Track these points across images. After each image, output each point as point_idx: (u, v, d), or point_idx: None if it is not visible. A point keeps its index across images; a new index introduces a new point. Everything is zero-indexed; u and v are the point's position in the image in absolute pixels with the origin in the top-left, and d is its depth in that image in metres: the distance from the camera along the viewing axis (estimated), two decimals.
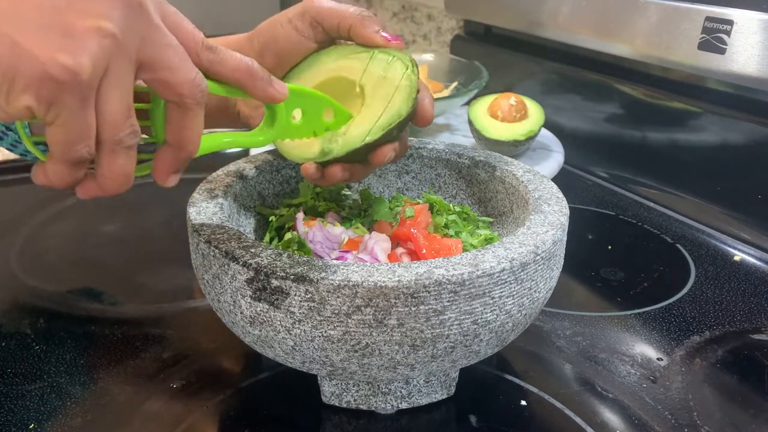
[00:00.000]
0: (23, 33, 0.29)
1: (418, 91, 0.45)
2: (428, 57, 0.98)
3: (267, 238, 0.51)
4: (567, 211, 0.45)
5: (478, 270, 0.37)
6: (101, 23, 0.30)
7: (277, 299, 0.37)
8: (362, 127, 0.45)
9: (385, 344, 0.38)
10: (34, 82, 0.29)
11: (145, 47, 0.32)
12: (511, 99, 0.77)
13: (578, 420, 0.45)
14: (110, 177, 0.34)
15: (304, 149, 0.47)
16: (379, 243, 0.46)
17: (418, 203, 0.53)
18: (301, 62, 0.49)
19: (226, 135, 0.41)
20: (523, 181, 0.49)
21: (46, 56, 0.29)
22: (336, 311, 0.37)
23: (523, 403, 0.47)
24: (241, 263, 0.38)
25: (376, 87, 0.46)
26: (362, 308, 0.37)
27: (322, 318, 0.37)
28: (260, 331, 0.39)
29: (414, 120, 0.47)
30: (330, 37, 0.48)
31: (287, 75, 0.49)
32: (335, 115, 0.45)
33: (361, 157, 0.45)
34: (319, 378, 0.45)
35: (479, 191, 0.55)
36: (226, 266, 0.39)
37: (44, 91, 0.29)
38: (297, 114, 0.44)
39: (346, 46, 0.48)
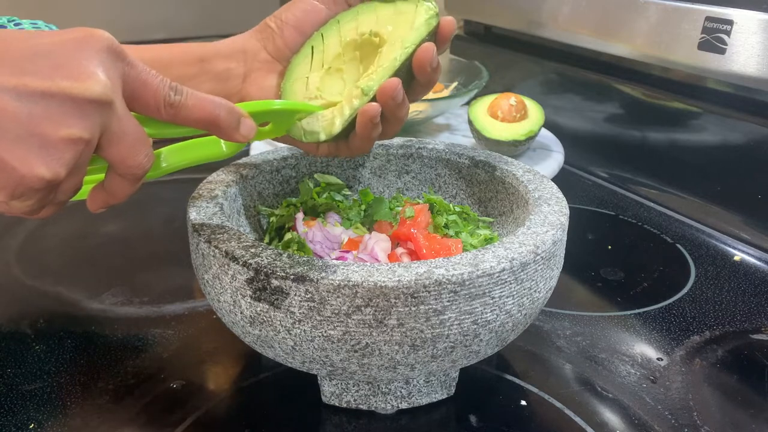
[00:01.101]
0: (2, 145, 0.31)
1: (438, 14, 0.44)
2: None
3: (267, 238, 0.51)
4: (567, 211, 0.45)
5: (478, 270, 0.37)
6: (74, 132, 0.32)
7: (277, 299, 0.37)
8: (391, 54, 0.44)
9: (385, 344, 0.38)
10: (15, 190, 0.32)
11: (105, 135, 0.34)
12: (511, 99, 0.77)
13: (578, 420, 0.45)
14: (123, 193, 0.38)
15: (338, 113, 0.45)
16: (379, 243, 0.46)
17: (418, 203, 0.53)
18: (308, 42, 0.48)
19: (184, 151, 0.42)
20: (523, 181, 0.49)
21: (26, 170, 0.31)
22: (336, 311, 0.37)
23: (523, 403, 0.47)
24: (241, 263, 0.38)
25: (395, 23, 0.45)
26: (362, 308, 0.37)
27: (322, 318, 0.37)
28: (260, 331, 0.39)
29: (439, 35, 0.46)
30: (350, 5, 0.48)
31: (296, 57, 0.49)
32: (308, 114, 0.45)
33: (406, 76, 0.44)
34: (319, 378, 0.45)
35: (479, 191, 0.55)
36: (226, 266, 0.39)
37: (22, 194, 0.33)
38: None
39: (349, 11, 0.48)
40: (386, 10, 0.46)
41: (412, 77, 0.45)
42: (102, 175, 0.38)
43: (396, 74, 0.44)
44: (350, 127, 0.45)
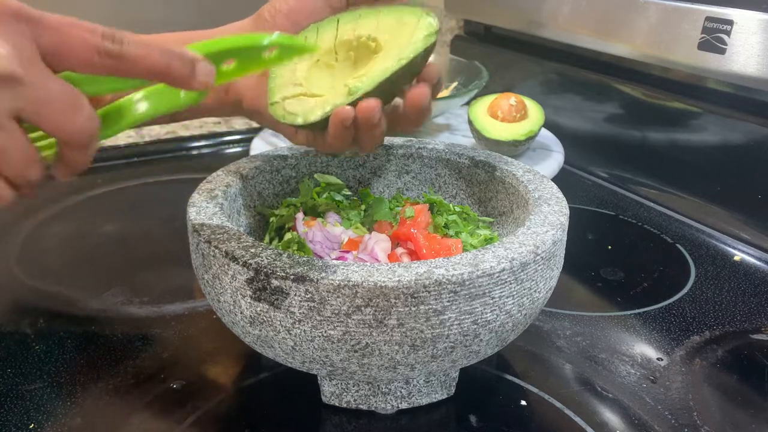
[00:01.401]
0: None
1: (438, 32, 0.44)
2: None
3: (267, 238, 0.51)
4: (567, 211, 0.45)
5: (478, 270, 0.37)
6: None
7: (277, 299, 0.37)
8: (385, 63, 0.44)
9: (385, 344, 0.38)
10: None
11: (25, 109, 0.32)
12: (511, 99, 0.77)
13: (578, 420, 0.45)
14: (31, 190, 0.35)
15: (320, 104, 0.45)
16: (379, 243, 0.46)
17: (418, 203, 0.53)
18: (302, 32, 0.48)
19: (133, 100, 0.38)
20: (523, 181, 0.49)
21: None
22: (336, 311, 0.37)
23: (523, 403, 0.47)
24: (241, 263, 0.38)
25: (394, 32, 0.45)
26: (362, 308, 0.37)
27: (322, 318, 0.37)
28: (260, 331, 0.39)
29: (424, 72, 0.46)
30: (347, 4, 0.48)
31: (303, 31, 0.48)
32: (279, 50, 0.39)
33: (393, 89, 0.44)
34: (319, 378, 0.45)
35: (479, 191, 0.55)
36: (226, 266, 0.39)
37: None
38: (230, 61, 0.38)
39: (352, 11, 0.48)
40: (388, 18, 0.46)
41: (402, 96, 0.45)
42: None
43: (386, 83, 0.43)
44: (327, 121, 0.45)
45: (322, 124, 0.45)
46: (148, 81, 0.36)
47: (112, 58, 0.33)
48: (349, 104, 0.43)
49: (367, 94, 0.43)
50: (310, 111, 0.45)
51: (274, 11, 0.49)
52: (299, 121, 0.45)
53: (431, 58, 0.46)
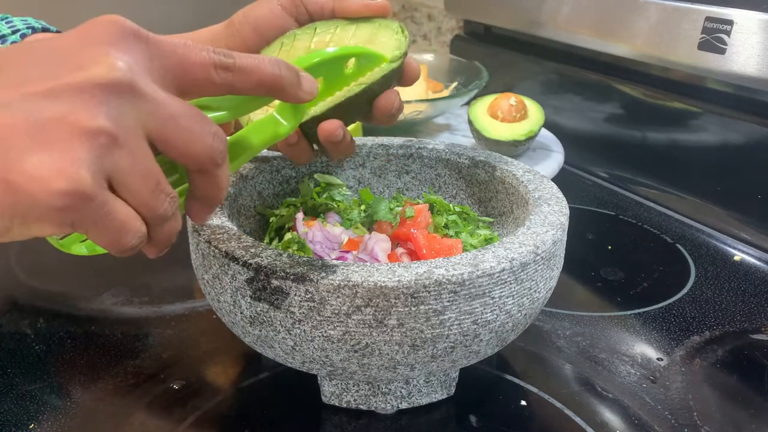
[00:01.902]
0: (13, 168, 0.26)
1: (405, 53, 0.44)
2: (428, 57, 0.98)
3: (267, 238, 0.51)
4: (567, 211, 0.45)
5: (478, 270, 0.37)
6: (89, 125, 0.27)
7: (277, 299, 0.37)
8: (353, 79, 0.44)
9: (385, 344, 0.38)
10: (42, 217, 0.27)
11: (148, 125, 0.29)
12: (511, 99, 0.77)
13: (578, 420, 0.45)
14: (164, 240, 0.32)
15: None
16: (379, 243, 0.46)
17: (418, 203, 0.53)
18: (283, 36, 0.48)
19: (244, 139, 0.38)
20: (523, 181, 0.49)
21: (42, 190, 0.26)
22: (336, 311, 0.37)
23: (523, 403, 0.47)
24: (241, 263, 0.38)
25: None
26: (362, 308, 0.37)
27: (322, 318, 0.37)
28: (260, 331, 0.39)
29: (402, 79, 0.46)
30: (312, 18, 0.48)
31: (266, 49, 0.48)
32: (357, 61, 0.42)
33: (358, 109, 0.44)
34: (319, 378, 0.45)
35: (479, 191, 0.55)
36: (226, 266, 0.39)
37: (57, 220, 0.27)
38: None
39: (328, 21, 0.48)
40: (363, 33, 0.46)
41: (370, 110, 0.45)
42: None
43: (345, 104, 0.43)
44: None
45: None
46: (256, 100, 0.36)
47: (229, 71, 0.32)
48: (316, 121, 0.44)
49: (323, 115, 0.43)
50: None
51: (243, 19, 0.48)
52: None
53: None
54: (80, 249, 0.35)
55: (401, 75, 0.46)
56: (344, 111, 0.44)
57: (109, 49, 0.28)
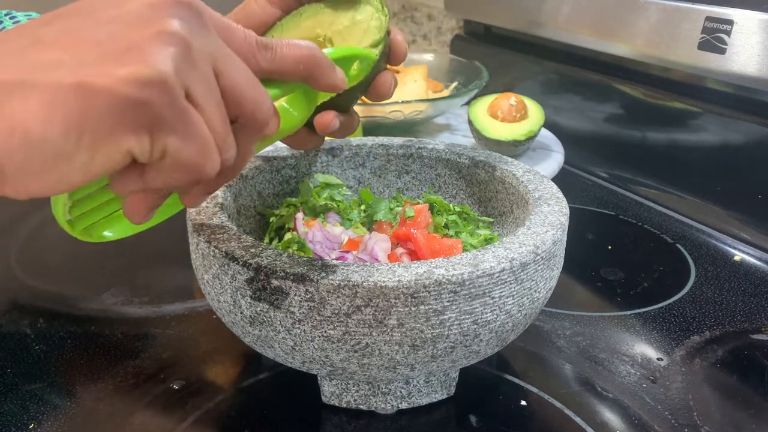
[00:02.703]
0: (84, 70, 0.24)
1: (389, 31, 0.44)
2: (428, 57, 0.98)
3: (267, 238, 0.51)
4: (567, 211, 0.45)
5: (478, 270, 0.37)
6: (165, 26, 0.26)
7: (277, 299, 0.37)
8: None
9: (385, 344, 0.38)
10: (117, 121, 0.24)
11: (214, 55, 0.28)
12: (511, 99, 0.77)
13: (578, 420, 0.45)
14: (214, 187, 0.31)
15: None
16: (379, 243, 0.46)
17: (418, 203, 0.53)
18: (271, 29, 0.47)
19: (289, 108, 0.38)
20: (523, 181, 0.49)
21: (117, 81, 0.24)
22: (336, 311, 0.37)
23: (523, 403, 0.47)
24: (241, 263, 0.38)
25: (345, 35, 0.45)
26: (362, 308, 0.37)
27: (322, 318, 0.37)
28: (260, 331, 0.39)
29: (390, 58, 0.46)
30: (299, 4, 0.48)
31: (270, 30, 0.48)
32: (360, 63, 0.42)
33: (353, 96, 0.44)
34: (319, 378, 0.45)
35: (479, 191, 0.55)
36: (226, 266, 0.39)
37: (135, 121, 0.25)
38: None
39: (312, 5, 0.47)
40: (344, 17, 0.45)
41: (365, 94, 0.45)
42: None
43: (341, 95, 0.43)
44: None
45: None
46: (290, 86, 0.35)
47: (270, 50, 0.32)
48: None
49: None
50: None
51: (235, 19, 0.48)
52: None
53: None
54: (106, 233, 0.34)
55: (388, 55, 0.45)
56: (340, 100, 0.44)
57: None
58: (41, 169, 0.24)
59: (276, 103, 0.36)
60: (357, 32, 0.44)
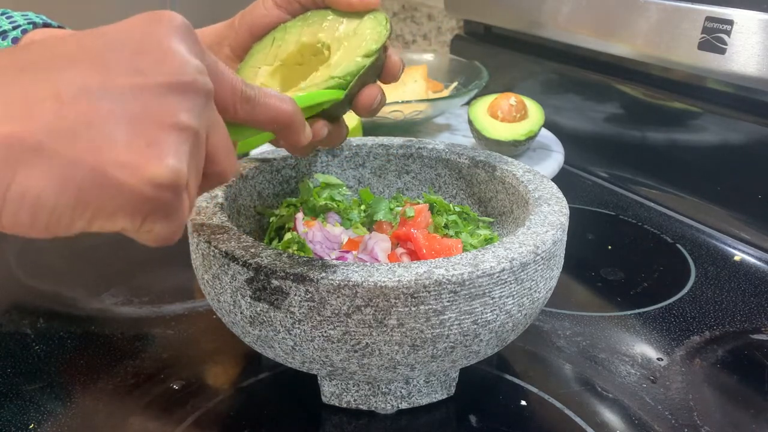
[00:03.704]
0: (105, 156, 0.25)
1: (386, 48, 0.44)
2: (428, 57, 0.98)
3: (267, 238, 0.51)
4: (567, 211, 0.45)
5: (478, 270, 0.37)
6: (181, 120, 0.27)
7: (277, 299, 0.37)
8: (322, 78, 0.43)
9: (385, 344, 0.38)
10: (127, 206, 0.26)
11: (209, 124, 0.29)
12: (511, 99, 0.77)
13: (578, 420, 0.45)
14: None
15: None
16: (379, 243, 0.46)
17: (418, 203, 0.53)
18: (275, 29, 0.48)
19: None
20: (523, 181, 0.49)
21: (135, 176, 0.25)
22: (336, 311, 0.37)
23: (523, 403, 0.47)
24: (241, 263, 0.38)
25: (344, 42, 0.45)
26: (362, 308, 0.37)
27: (322, 318, 0.37)
28: (260, 331, 0.39)
29: (383, 74, 0.46)
30: (305, 9, 0.48)
31: (258, 44, 0.48)
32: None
33: (339, 108, 0.44)
34: (319, 378, 0.45)
35: (479, 191, 0.55)
36: (226, 266, 0.39)
37: (137, 210, 0.26)
38: None
39: (319, 11, 0.47)
40: (348, 24, 0.46)
41: (350, 107, 0.45)
42: None
43: (318, 108, 0.43)
44: None
45: None
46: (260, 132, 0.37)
47: (250, 104, 0.33)
48: None
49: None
50: None
51: (241, 20, 0.48)
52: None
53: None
54: None
55: (380, 70, 0.45)
56: (327, 111, 0.44)
57: (182, 45, 0.28)
58: (40, 225, 0.26)
59: None
60: (355, 41, 0.44)
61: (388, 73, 0.46)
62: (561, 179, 0.73)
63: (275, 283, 0.37)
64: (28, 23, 0.51)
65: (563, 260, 0.45)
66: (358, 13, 0.46)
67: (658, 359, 0.52)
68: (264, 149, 0.63)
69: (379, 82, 0.46)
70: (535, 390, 0.48)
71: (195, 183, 0.29)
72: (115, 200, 0.25)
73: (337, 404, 0.45)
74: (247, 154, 0.60)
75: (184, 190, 0.27)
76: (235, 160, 0.32)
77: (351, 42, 0.44)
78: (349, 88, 0.43)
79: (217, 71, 0.31)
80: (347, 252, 0.46)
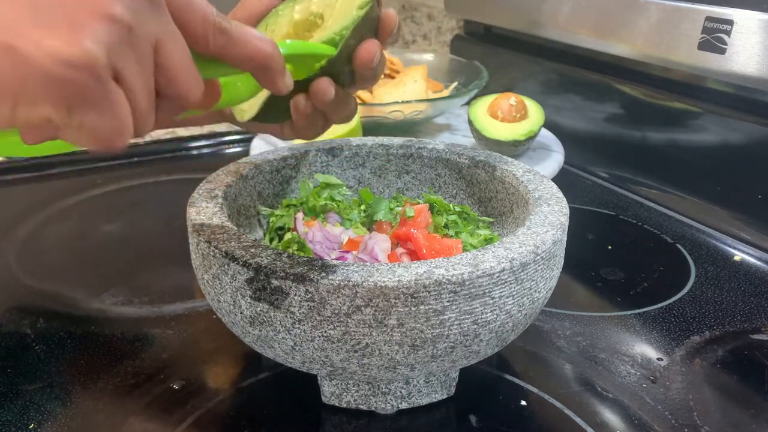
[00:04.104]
0: (19, 37, 0.25)
1: (380, 2, 0.43)
2: (428, 57, 0.98)
3: (267, 238, 0.51)
4: (567, 211, 0.45)
5: (478, 270, 0.37)
6: (109, 10, 0.26)
7: (277, 299, 0.37)
8: (324, 33, 0.43)
9: (385, 344, 0.38)
10: (42, 90, 0.25)
11: (161, 37, 0.29)
12: (511, 99, 0.77)
13: (578, 420, 0.45)
14: (158, 126, 0.33)
15: (259, 96, 0.44)
16: (379, 243, 0.46)
17: (418, 203, 0.53)
18: (264, 19, 0.47)
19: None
20: (523, 181, 0.49)
21: (49, 56, 0.25)
22: (336, 311, 0.37)
23: (523, 403, 0.47)
24: (241, 263, 0.38)
25: (336, 5, 0.44)
26: (362, 308, 0.37)
27: (322, 318, 0.37)
28: (260, 331, 0.39)
29: (378, 30, 0.44)
30: None
31: (265, 18, 0.47)
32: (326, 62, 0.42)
33: (339, 67, 0.43)
34: (319, 378, 0.45)
35: (479, 191, 0.55)
36: (226, 266, 0.39)
37: (57, 95, 0.26)
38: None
39: None
40: None
41: (350, 69, 0.44)
42: None
43: (326, 65, 0.42)
44: (283, 110, 0.44)
45: (279, 114, 0.44)
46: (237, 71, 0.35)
47: (225, 36, 0.31)
48: (302, 90, 0.43)
49: (301, 82, 0.42)
50: (252, 105, 0.44)
51: (236, 18, 0.48)
52: (246, 116, 0.45)
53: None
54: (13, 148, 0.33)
55: (376, 25, 0.44)
56: (326, 71, 0.43)
57: None
58: None
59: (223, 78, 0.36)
60: (343, 7, 0.43)
61: (384, 28, 0.44)
62: (561, 179, 0.73)
63: (275, 283, 0.37)
64: None
65: (563, 260, 0.45)
66: None
67: (658, 359, 0.52)
68: (264, 149, 0.63)
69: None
70: (535, 390, 0.48)
71: (138, 83, 0.28)
72: (30, 82, 0.25)
73: (337, 404, 0.45)
74: (248, 153, 0.60)
75: (110, 80, 0.27)
76: (199, 83, 0.31)
77: (343, 2, 0.43)
78: (345, 41, 0.41)
79: (185, 2, 0.30)
80: (347, 252, 0.46)
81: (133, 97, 0.28)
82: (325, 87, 0.42)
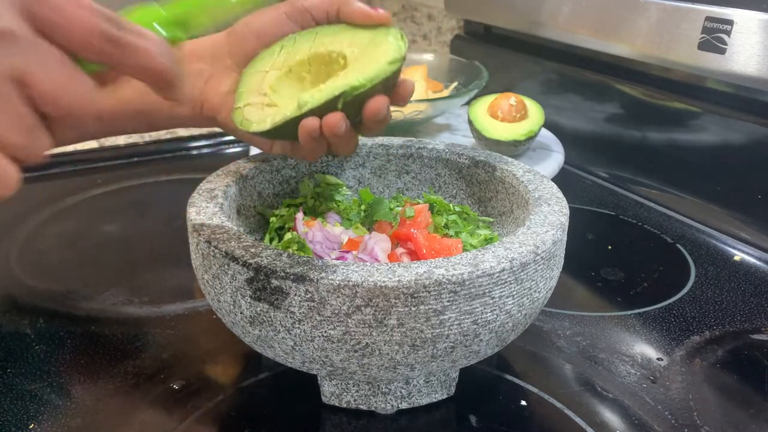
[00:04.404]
0: None
1: (404, 58, 0.44)
2: (428, 57, 0.98)
3: (267, 238, 0.51)
4: (567, 211, 0.45)
5: (478, 270, 0.37)
6: None
7: (277, 299, 0.37)
8: (343, 81, 0.43)
9: (385, 344, 0.38)
10: None
11: (20, 65, 0.28)
12: (511, 99, 0.77)
13: (578, 420, 0.45)
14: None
15: (272, 114, 0.45)
16: (379, 243, 0.46)
17: (418, 203, 0.53)
18: (280, 41, 0.48)
19: None
20: (523, 181, 0.49)
21: None
22: (336, 311, 0.37)
23: (523, 403, 0.47)
24: (241, 263, 0.38)
25: (362, 51, 0.45)
26: (362, 308, 0.37)
27: (322, 318, 0.37)
28: (260, 331, 0.39)
29: (395, 95, 0.45)
30: (316, 23, 0.48)
31: (266, 50, 0.48)
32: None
33: (351, 111, 0.44)
34: (319, 378, 0.45)
35: (479, 191, 0.55)
36: (226, 266, 0.39)
37: None
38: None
39: (329, 27, 0.48)
40: (363, 37, 0.46)
41: (359, 114, 0.45)
42: None
43: (333, 102, 0.43)
44: (292, 130, 0.44)
45: (286, 133, 0.45)
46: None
47: (116, 46, 0.29)
48: (314, 116, 0.44)
49: (318, 109, 0.43)
50: (263, 120, 0.45)
51: (245, 28, 0.48)
52: (253, 128, 0.45)
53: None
54: None
55: (395, 84, 0.45)
56: (344, 108, 0.44)
57: None
58: None
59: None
60: (376, 51, 0.44)
61: (400, 92, 0.46)
62: (561, 179, 0.73)
63: (275, 283, 0.37)
64: None
65: (563, 260, 0.45)
66: (371, 28, 0.46)
67: (658, 359, 0.52)
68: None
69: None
70: (535, 390, 0.48)
71: (13, 136, 0.28)
72: None
73: (337, 404, 0.45)
74: (248, 153, 0.60)
75: None
76: (90, 88, 0.29)
77: (370, 51, 0.44)
78: (367, 91, 0.42)
79: (51, 6, 0.28)
80: (347, 252, 0.46)
81: (5, 145, 0.28)
82: (338, 121, 0.43)
